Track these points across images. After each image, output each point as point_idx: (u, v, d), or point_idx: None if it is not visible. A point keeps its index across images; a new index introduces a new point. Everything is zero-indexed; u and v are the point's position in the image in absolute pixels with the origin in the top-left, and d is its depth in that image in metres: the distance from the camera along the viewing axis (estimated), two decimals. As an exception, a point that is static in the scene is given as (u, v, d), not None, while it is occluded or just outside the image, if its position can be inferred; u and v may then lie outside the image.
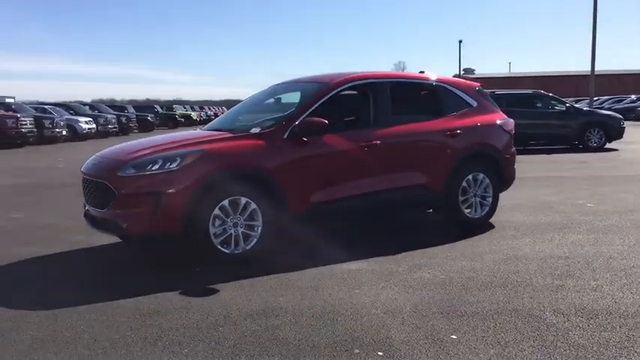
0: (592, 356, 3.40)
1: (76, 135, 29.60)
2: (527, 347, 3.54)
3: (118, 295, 4.61)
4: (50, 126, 27.83)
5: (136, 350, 3.59)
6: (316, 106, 5.98)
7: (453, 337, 3.72)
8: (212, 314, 4.19)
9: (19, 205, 9.32)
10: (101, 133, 32.31)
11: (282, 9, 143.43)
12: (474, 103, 7.01)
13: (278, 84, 7.19)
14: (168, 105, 55.43)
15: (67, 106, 34.71)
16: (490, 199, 6.94)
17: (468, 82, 7.35)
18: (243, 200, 5.41)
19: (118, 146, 6.03)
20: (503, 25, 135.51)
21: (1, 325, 4.03)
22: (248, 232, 5.48)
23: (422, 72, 7.35)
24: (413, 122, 6.54)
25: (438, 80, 6.93)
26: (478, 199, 6.87)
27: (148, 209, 5.13)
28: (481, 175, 6.84)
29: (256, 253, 5.51)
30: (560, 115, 18.77)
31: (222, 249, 5.36)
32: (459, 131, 6.68)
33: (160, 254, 6.02)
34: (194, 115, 51.33)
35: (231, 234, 5.40)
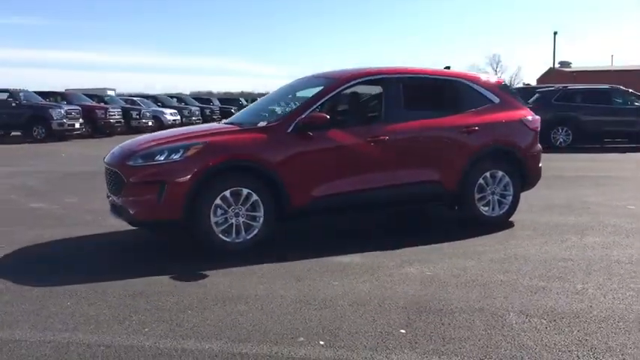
0: (529, 357, 3.37)
1: (161, 126, 31.03)
2: (469, 345, 3.55)
3: (117, 276, 4.97)
4: (137, 117, 29.46)
5: (103, 327, 3.90)
6: (323, 101, 6.12)
7: (402, 331, 3.78)
8: (188, 298, 4.45)
9: (77, 191, 10.04)
10: (185, 124, 33.71)
11: (378, 4, 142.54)
12: (496, 100, 6.88)
13: (299, 78, 7.36)
14: (253, 98, 56.83)
15: (155, 98, 36.48)
16: (510, 198, 6.81)
17: (490, 78, 7.21)
18: (245, 191, 5.65)
19: (138, 138, 6.43)
20: (605, 14, 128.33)
21: (2, 298, 4.48)
22: (250, 222, 5.71)
23: (447, 67, 7.29)
24: (426, 118, 6.53)
25: (456, 76, 6.86)
26: (496, 198, 6.76)
27: (152, 197, 5.47)
28: (500, 173, 6.73)
29: (257, 243, 5.72)
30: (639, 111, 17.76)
31: (224, 237, 5.62)
32: (476, 127, 6.60)
33: (174, 241, 6.37)
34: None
35: (232, 223, 5.64)
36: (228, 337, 3.71)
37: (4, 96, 23.73)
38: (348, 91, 6.40)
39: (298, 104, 6.20)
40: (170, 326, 3.91)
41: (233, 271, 5.13)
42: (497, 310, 4.13)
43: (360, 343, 3.61)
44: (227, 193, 5.59)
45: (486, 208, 6.73)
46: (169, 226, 5.57)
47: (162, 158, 5.53)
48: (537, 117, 7.13)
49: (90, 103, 27.60)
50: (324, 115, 5.91)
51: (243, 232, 5.69)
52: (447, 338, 3.65)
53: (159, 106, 34.26)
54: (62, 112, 23.46)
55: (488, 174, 6.68)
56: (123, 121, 27.89)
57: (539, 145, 7.13)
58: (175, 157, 5.51)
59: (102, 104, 28.47)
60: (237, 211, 5.65)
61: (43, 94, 26.62)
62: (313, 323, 3.93)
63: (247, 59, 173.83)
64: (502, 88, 7.04)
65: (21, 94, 24.01)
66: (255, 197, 5.68)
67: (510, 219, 6.90)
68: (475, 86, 6.85)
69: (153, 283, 4.81)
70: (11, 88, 24.35)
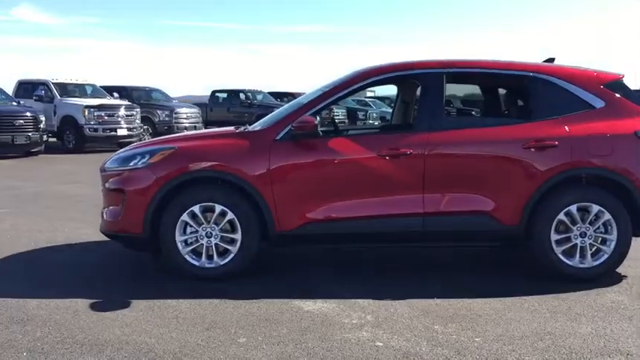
0: None
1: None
2: None
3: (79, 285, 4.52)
4: (363, 117, 29.57)
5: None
6: (329, 102, 4.88)
7: None
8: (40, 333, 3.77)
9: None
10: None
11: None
12: (599, 103, 4.83)
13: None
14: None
15: (390, 99, 36.33)
16: (612, 244, 4.73)
17: (596, 73, 5.06)
18: (218, 208, 4.75)
19: None
20: None
21: None
22: (225, 245, 4.80)
23: (551, 60, 5.38)
24: (475, 127, 4.86)
25: (534, 70, 4.95)
26: (589, 242, 4.75)
27: (117, 208, 4.91)
28: (596, 208, 4.70)
29: (233, 271, 4.79)
30: None
31: (191, 260, 4.80)
32: (554, 142, 4.69)
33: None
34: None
35: (202, 244, 4.80)
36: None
37: (242, 96, 25.75)
38: (366, 90, 5.03)
39: (298, 106, 5.05)
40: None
41: (166, 304, 4.30)
42: None
43: None
44: (196, 208, 4.75)
45: (570, 257, 4.77)
46: (135, 242, 4.93)
47: (131, 164, 4.92)
48: (667, 130, 4.84)
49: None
50: (312, 119, 4.70)
51: (216, 257, 4.80)
52: None
53: (391, 106, 34.00)
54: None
55: (574, 208, 4.71)
56: (348, 120, 28.19)
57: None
58: (139, 163, 4.85)
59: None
60: (208, 230, 4.78)
61: (275, 95, 28.26)
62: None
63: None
64: (612, 87, 4.92)
65: (251, 94, 25.74)
66: (230, 216, 4.75)
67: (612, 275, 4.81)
68: (566, 84, 4.88)
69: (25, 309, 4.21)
70: (246, 88, 26.32)
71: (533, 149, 4.69)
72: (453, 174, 4.74)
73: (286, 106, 5.51)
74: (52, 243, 6.12)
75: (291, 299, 4.37)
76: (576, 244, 4.75)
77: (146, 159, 4.83)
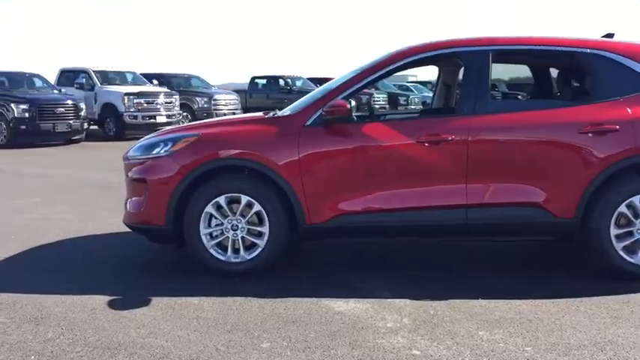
0: None
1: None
2: None
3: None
4: (404, 102, 28.97)
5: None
6: (361, 84, 4.50)
7: None
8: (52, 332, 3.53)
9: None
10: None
11: None
12: (668, 82, 4.31)
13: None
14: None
15: (432, 84, 35.50)
16: (682, 241, 4.24)
17: None
18: (244, 199, 4.44)
19: None
20: None
21: None
22: (252, 238, 4.49)
23: (609, 35, 4.86)
24: (525, 110, 4.41)
25: (591, 46, 4.45)
26: (654, 238, 4.26)
27: (140, 198, 4.65)
28: (662, 199, 4.21)
29: (261, 267, 4.49)
30: None
31: (216, 254, 4.51)
32: (616, 126, 4.21)
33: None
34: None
35: (228, 237, 4.50)
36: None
37: (282, 82, 25.48)
38: (403, 71, 4.63)
39: (329, 89, 4.67)
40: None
41: (188, 302, 4.02)
42: None
43: None
44: (221, 199, 4.45)
45: (632, 253, 4.29)
46: (158, 235, 4.66)
47: (154, 152, 4.64)
48: None
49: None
50: (344, 102, 4.32)
51: (243, 251, 4.50)
52: None
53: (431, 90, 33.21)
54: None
55: (637, 199, 4.23)
56: (388, 106, 27.64)
57: None
58: (162, 151, 4.57)
59: (369, 90, 28.66)
60: (234, 222, 4.48)
61: (316, 80, 27.88)
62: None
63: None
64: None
65: (291, 80, 25.45)
66: (258, 207, 4.43)
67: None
68: (628, 62, 4.37)
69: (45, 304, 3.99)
70: (285, 74, 26.02)
71: (590, 134, 4.21)
72: (499, 162, 4.31)
73: (317, 89, 5.15)
74: (80, 233, 5.94)
75: (320, 298, 4.04)
76: (639, 239, 4.27)
77: (168, 147, 4.55)
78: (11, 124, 15.03)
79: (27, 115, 15.07)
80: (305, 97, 4.94)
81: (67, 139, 15.87)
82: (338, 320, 3.67)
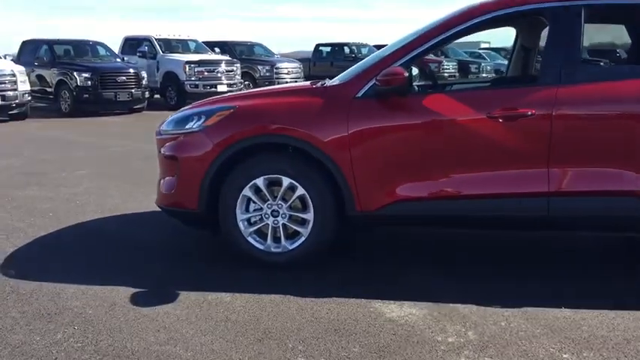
0: None
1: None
2: None
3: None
4: (475, 71, 27.62)
5: None
6: (422, 49, 3.81)
7: None
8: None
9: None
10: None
11: None
12: None
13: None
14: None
15: (506, 51, 33.72)
16: None
17: None
18: (286, 181, 3.89)
19: None
20: None
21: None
22: (294, 226, 3.95)
23: None
24: (622, 79, 3.60)
25: None
26: None
27: (172, 179, 4.18)
28: None
29: (303, 258, 3.95)
30: None
31: (254, 243, 4.00)
32: None
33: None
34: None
35: (268, 225, 3.97)
36: None
37: (347, 50, 24.78)
38: (473, 34, 3.89)
39: (384, 54, 3.99)
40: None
41: (219, 299, 3.53)
42: None
43: None
44: (260, 181, 3.91)
45: None
46: (191, 219, 4.18)
47: (187, 126, 4.13)
48: None
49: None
50: (402, 70, 3.65)
51: (284, 240, 3.96)
52: None
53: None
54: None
55: None
56: (458, 74, 26.40)
57: None
58: (194, 125, 4.05)
59: (437, 57, 27.43)
60: (275, 208, 3.94)
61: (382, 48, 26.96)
62: None
63: None
64: None
65: (356, 47, 24.68)
66: (301, 191, 3.87)
67: None
68: None
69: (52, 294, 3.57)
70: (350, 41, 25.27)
71: None
72: (590, 142, 3.56)
73: (371, 56, 4.49)
74: (119, 212, 5.57)
75: (370, 299, 3.46)
76: None
77: (201, 121, 4.03)
78: (74, 93, 15.03)
79: (89, 83, 15.02)
80: (357, 64, 4.29)
81: (128, 108, 15.77)
82: (389, 330, 3.09)
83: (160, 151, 4.33)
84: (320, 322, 3.20)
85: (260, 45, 21.55)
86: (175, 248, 4.54)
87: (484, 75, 27.18)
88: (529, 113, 3.55)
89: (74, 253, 4.38)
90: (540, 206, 3.62)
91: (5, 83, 13.52)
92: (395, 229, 4.20)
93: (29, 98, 14.12)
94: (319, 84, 4.31)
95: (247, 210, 3.99)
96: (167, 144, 4.20)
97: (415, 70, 4.28)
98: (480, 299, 3.41)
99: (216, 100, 4.32)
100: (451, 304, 3.37)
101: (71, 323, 3.21)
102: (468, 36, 3.94)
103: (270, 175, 3.90)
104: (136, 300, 3.51)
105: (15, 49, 17.63)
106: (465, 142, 3.65)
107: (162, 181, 4.31)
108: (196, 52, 18.54)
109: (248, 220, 3.99)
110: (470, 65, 27.41)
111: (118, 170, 7.64)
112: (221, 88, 17.05)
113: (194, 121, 4.06)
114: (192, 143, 4.01)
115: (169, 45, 18.47)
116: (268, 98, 4.19)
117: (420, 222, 3.90)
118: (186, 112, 4.27)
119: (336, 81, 4.10)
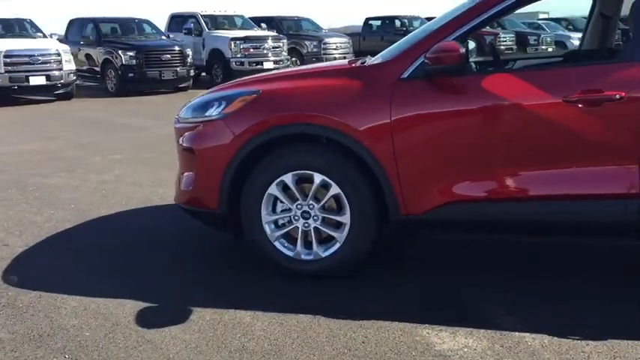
0: None
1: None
2: None
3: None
4: (534, 43, 26.16)
5: None
6: (478, 22, 3.12)
7: None
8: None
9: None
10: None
11: None
12: None
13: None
14: None
15: (568, 21, 31.90)
16: None
17: None
18: (318, 178, 3.30)
19: None
20: None
21: None
22: (328, 230, 3.37)
23: None
24: None
25: None
26: None
27: (190, 173, 3.65)
28: None
29: (338, 266, 3.38)
30: None
31: (282, 248, 3.45)
32: None
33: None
34: None
35: (297, 228, 3.41)
36: None
37: (398, 23, 23.83)
38: (537, 2, 3.18)
39: (433, 29, 3.31)
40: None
41: (237, 319, 3.01)
42: None
43: None
44: (288, 177, 3.34)
45: None
46: (212, 219, 3.64)
47: (206, 113, 3.59)
48: None
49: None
50: (456, 45, 2.98)
51: (316, 246, 3.39)
52: None
53: (570, 30, 29.72)
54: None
55: None
56: (516, 47, 25.07)
57: None
58: (215, 112, 3.50)
59: (493, 30, 26.11)
60: (305, 209, 3.37)
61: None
62: None
63: None
64: None
65: (408, 20, 23.70)
66: (335, 190, 3.29)
67: None
68: None
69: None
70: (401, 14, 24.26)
71: None
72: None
73: (419, 29, 3.83)
74: (144, 204, 5.14)
75: (416, 324, 2.87)
76: None
77: (222, 107, 3.47)
78: (119, 72, 14.80)
79: (134, 62, 14.75)
80: (402, 39, 3.64)
81: (174, 86, 15.47)
82: (438, 370, 2.49)
83: (177, 142, 3.81)
84: (354, 354, 2.63)
85: (308, 20, 20.90)
86: (198, 251, 4.03)
87: (544, 47, 25.78)
88: (616, 96, 2.84)
89: (84, 257, 3.93)
90: (629, 210, 2.92)
91: (50, 63, 13.39)
92: (449, 235, 3.52)
93: (75, 78, 13.97)
94: (359, 62, 3.68)
95: (274, 211, 3.44)
96: (186, 134, 3.67)
97: (472, 45, 3.60)
98: (554, 328, 2.77)
99: (241, 83, 3.75)
100: (517, 333, 2.75)
101: (62, 350, 2.74)
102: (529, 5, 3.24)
103: (299, 170, 3.33)
104: (141, 319, 3.02)
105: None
106: (535, 133, 2.98)
107: (181, 176, 3.79)
108: (243, 28, 18.04)
109: (275, 222, 3.44)
110: (528, 37, 25.94)
111: (154, 155, 7.23)
112: (267, 65, 16.54)
113: (214, 108, 3.51)
114: (211, 133, 3.47)
115: (215, 21, 18.05)
116: (298, 80, 3.60)
117: (479, 228, 3.26)
118: (206, 97, 3.72)
119: (378, 59, 3.46)
